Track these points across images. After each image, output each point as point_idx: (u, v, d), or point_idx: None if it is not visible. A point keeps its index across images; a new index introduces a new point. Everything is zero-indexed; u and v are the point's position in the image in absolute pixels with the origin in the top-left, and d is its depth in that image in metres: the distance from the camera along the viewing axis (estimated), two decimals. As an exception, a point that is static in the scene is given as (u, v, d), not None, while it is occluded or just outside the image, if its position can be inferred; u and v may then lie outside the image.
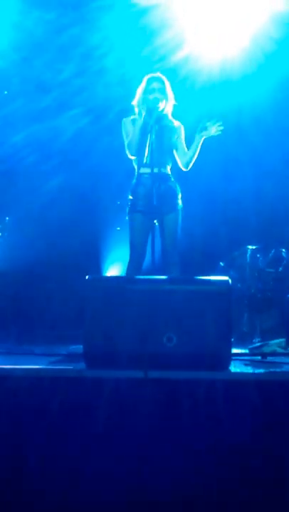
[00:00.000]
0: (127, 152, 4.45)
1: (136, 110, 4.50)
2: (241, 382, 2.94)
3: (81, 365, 3.17)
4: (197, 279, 3.31)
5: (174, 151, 4.52)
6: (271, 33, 5.48)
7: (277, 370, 3.23)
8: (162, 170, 4.41)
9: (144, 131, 4.28)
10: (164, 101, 4.41)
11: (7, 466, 2.89)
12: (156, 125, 4.27)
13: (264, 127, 5.89)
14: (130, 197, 4.49)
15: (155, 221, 4.37)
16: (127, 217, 4.52)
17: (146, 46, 5.64)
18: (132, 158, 4.45)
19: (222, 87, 5.77)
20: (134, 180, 4.50)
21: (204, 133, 4.39)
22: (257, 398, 2.85)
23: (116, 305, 3.13)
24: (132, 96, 4.55)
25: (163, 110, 4.42)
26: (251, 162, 5.98)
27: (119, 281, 3.49)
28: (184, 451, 2.85)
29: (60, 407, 2.91)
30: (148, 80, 4.44)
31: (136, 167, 4.49)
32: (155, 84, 4.41)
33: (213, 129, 4.38)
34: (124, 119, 4.52)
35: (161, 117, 4.42)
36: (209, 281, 3.28)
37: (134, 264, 4.42)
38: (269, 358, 3.74)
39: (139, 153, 4.37)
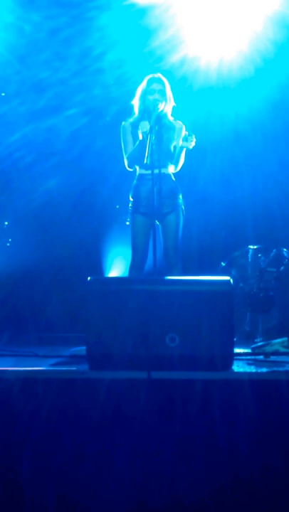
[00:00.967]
0: (125, 162, 4.47)
1: (135, 110, 4.51)
2: (244, 381, 2.94)
3: (84, 367, 3.18)
4: (199, 279, 3.31)
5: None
6: (269, 36, 5.48)
7: (280, 369, 3.24)
8: (162, 170, 4.41)
9: (143, 142, 4.28)
10: (164, 102, 4.42)
11: (8, 466, 2.89)
12: (155, 125, 4.28)
13: (264, 126, 5.90)
14: (131, 198, 4.50)
15: (157, 222, 4.39)
16: (128, 219, 4.53)
17: (143, 47, 5.63)
18: (130, 170, 4.47)
19: (219, 89, 5.77)
20: (135, 181, 4.50)
21: (186, 144, 4.43)
22: (260, 397, 2.86)
23: (118, 306, 3.14)
24: (130, 96, 4.56)
25: (162, 111, 4.43)
26: (251, 162, 5.99)
27: (121, 283, 3.50)
28: (188, 451, 2.86)
29: (63, 408, 2.92)
30: (148, 80, 4.44)
31: (137, 168, 4.50)
32: (155, 86, 4.41)
33: (192, 143, 4.42)
34: (123, 124, 4.51)
35: (161, 117, 4.42)
36: (211, 281, 3.29)
37: (136, 265, 4.42)
38: (272, 358, 3.74)
39: (142, 154, 4.37)
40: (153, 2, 5.47)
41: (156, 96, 4.38)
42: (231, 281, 3.26)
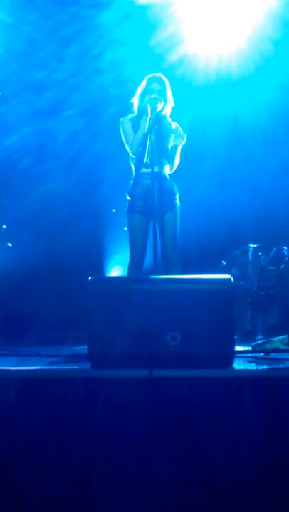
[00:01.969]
0: (129, 151, 4.47)
1: (134, 108, 4.53)
2: (245, 379, 2.96)
3: (86, 366, 3.19)
4: (200, 278, 3.32)
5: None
6: (268, 34, 5.48)
7: (281, 366, 3.25)
8: (160, 170, 4.43)
9: (146, 133, 4.29)
10: (163, 102, 4.43)
11: (8, 466, 2.91)
12: (155, 125, 4.30)
13: (263, 125, 5.90)
14: (128, 197, 4.51)
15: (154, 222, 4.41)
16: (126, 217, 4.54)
17: (142, 46, 5.64)
18: (133, 156, 4.47)
19: (218, 87, 5.78)
20: (132, 181, 4.52)
21: (178, 141, 4.44)
22: (261, 394, 2.87)
23: (119, 305, 3.14)
24: (129, 97, 4.57)
25: (161, 111, 4.44)
26: (251, 160, 5.99)
27: (121, 282, 3.51)
28: (190, 449, 2.87)
29: (65, 407, 2.93)
30: (149, 79, 4.46)
31: (133, 167, 4.52)
32: (155, 85, 4.43)
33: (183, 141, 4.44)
34: (122, 119, 4.53)
35: (160, 117, 4.44)
36: (212, 279, 3.30)
37: (135, 264, 4.43)
38: (272, 355, 3.76)
39: (140, 153, 4.39)
40: (152, 0, 5.47)
41: (156, 95, 4.39)
42: (232, 279, 3.27)
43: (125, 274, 4.58)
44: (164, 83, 4.45)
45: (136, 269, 4.41)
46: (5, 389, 2.96)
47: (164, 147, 4.46)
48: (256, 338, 4.89)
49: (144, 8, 5.50)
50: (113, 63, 5.78)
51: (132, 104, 4.54)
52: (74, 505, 2.85)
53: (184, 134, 4.42)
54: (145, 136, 4.23)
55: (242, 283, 5.31)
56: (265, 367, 3.19)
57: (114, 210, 5.90)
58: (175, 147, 4.51)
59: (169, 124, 4.51)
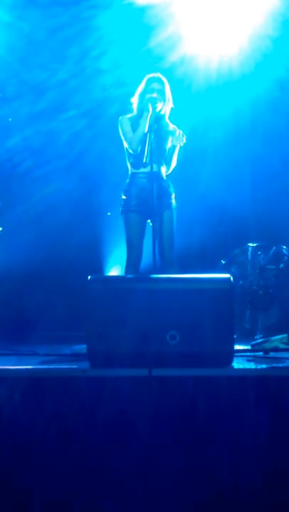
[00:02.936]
0: (128, 149, 4.46)
1: (134, 108, 4.53)
2: (244, 378, 2.96)
3: (85, 365, 3.20)
4: (199, 277, 3.33)
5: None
6: (269, 33, 5.48)
7: (280, 365, 3.25)
8: (157, 170, 4.42)
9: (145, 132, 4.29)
10: (162, 102, 4.43)
11: (9, 466, 2.91)
12: (155, 124, 4.30)
13: (264, 124, 5.91)
14: (123, 197, 4.51)
15: (149, 221, 4.42)
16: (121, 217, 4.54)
17: (142, 46, 5.64)
18: (132, 152, 4.46)
19: (219, 87, 5.78)
20: (128, 180, 4.52)
21: (177, 141, 4.44)
22: (260, 393, 2.88)
23: (119, 304, 3.15)
24: (129, 97, 4.58)
25: (160, 111, 4.44)
26: (251, 159, 5.99)
27: (121, 281, 3.51)
28: (189, 448, 2.88)
29: (64, 407, 2.93)
30: (148, 79, 4.46)
31: (129, 167, 4.51)
32: (155, 85, 4.43)
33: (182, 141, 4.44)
34: (121, 117, 4.55)
35: (160, 117, 4.44)
36: (211, 279, 3.30)
37: (132, 263, 4.44)
38: (271, 354, 3.76)
39: (139, 152, 4.39)
40: (151, 1, 5.48)
41: (155, 95, 4.39)
42: (231, 278, 3.27)
43: (123, 274, 4.59)
44: (163, 83, 4.46)
45: (133, 268, 4.42)
46: (3, 388, 2.97)
47: (162, 148, 4.46)
48: (255, 337, 4.89)
49: (144, 9, 5.50)
50: (114, 64, 5.79)
51: (131, 105, 4.55)
52: (75, 505, 2.86)
53: (183, 136, 4.42)
54: (145, 135, 4.23)
55: (241, 282, 5.31)
56: (264, 366, 3.20)
57: (109, 214, 5.89)
58: (173, 148, 4.51)
59: (168, 125, 4.52)
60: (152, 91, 4.41)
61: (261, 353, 3.77)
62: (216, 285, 3.24)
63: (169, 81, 4.54)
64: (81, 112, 5.94)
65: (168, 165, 4.53)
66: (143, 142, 4.27)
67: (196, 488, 2.83)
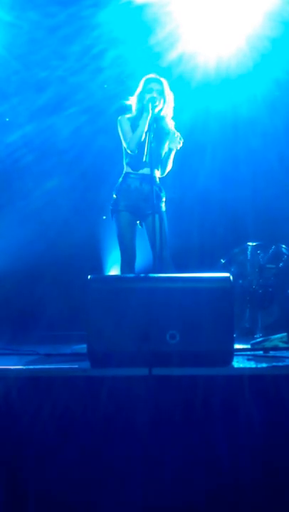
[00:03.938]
0: (127, 148, 4.46)
1: (133, 108, 4.53)
2: (244, 377, 2.96)
3: (86, 364, 3.20)
4: (199, 276, 3.33)
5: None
6: (267, 32, 5.49)
7: (280, 364, 3.25)
8: (151, 172, 4.42)
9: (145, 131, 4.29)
10: (162, 102, 4.42)
11: (10, 465, 2.91)
12: (154, 124, 4.30)
13: (263, 123, 5.91)
14: (114, 196, 4.51)
15: (138, 222, 4.43)
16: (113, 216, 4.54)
17: (142, 44, 5.64)
18: (130, 152, 4.46)
19: (218, 85, 5.78)
20: (120, 179, 4.53)
21: (174, 144, 4.43)
22: (260, 392, 2.88)
23: (119, 304, 3.15)
24: (129, 94, 4.58)
25: (160, 111, 4.44)
26: (250, 158, 6.00)
27: (121, 280, 3.51)
28: (190, 447, 2.88)
29: (64, 406, 2.94)
30: (146, 80, 4.46)
31: (125, 167, 4.51)
32: (154, 85, 4.43)
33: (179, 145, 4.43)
34: (120, 117, 4.55)
35: (159, 119, 4.44)
36: (211, 278, 3.30)
37: (127, 262, 4.46)
38: (271, 353, 3.76)
39: (137, 152, 4.39)
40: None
41: (154, 94, 4.39)
42: (231, 278, 3.28)
43: (119, 273, 4.60)
44: (162, 83, 4.46)
45: (128, 267, 4.45)
46: (4, 388, 2.97)
47: (158, 151, 4.46)
48: (255, 336, 4.89)
49: (143, 7, 5.50)
50: (114, 61, 5.79)
51: (130, 105, 4.55)
52: (75, 503, 2.86)
53: (180, 139, 4.42)
54: (144, 134, 4.23)
55: (241, 281, 5.31)
56: (264, 365, 3.20)
57: (104, 217, 5.90)
58: (169, 151, 4.51)
59: (167, 127, 4.50)
60: (151, 91, 4.41)
61: (261, 352, 3.77)
62: (215, 284, 3.23)
63: (167, 79, 4.53)
64: (81, 109, 5.96)
65: (163, 168, 4.54)
66: (141, 143, 4.27)
67: (195, 488, 2.83)
